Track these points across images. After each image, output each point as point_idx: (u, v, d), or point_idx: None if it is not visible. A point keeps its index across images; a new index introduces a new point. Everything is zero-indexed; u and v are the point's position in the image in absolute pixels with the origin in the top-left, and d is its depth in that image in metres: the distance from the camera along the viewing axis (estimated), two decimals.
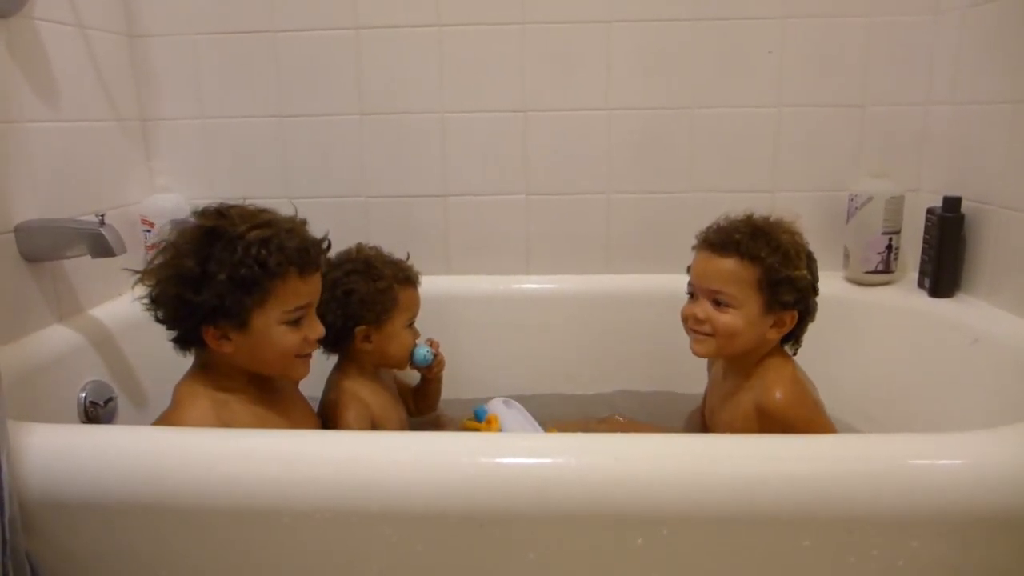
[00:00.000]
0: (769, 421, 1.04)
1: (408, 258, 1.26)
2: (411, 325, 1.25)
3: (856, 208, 1.41)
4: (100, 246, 1.12)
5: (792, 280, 1.06)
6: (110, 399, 1.20)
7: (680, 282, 1.14)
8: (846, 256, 1.45)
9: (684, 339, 1.15)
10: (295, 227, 1.00)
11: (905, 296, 1.37)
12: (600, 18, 1.45)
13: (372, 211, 1.56)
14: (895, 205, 1.39)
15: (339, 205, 1.55)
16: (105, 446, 0.81)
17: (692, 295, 1.12)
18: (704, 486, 0.74)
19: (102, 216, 1.14)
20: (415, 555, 0.77)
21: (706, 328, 1.09)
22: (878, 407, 1.27)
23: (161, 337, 1.00)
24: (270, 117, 1.53)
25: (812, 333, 1.14)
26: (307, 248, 0.99)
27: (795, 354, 1.14)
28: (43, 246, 1.15)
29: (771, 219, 1.11)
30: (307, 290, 1.00)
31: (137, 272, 1.00)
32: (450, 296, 1.51)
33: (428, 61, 1.49)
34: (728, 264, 1.07)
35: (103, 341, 1.24)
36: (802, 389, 1.07)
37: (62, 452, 0.80)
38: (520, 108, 1.50)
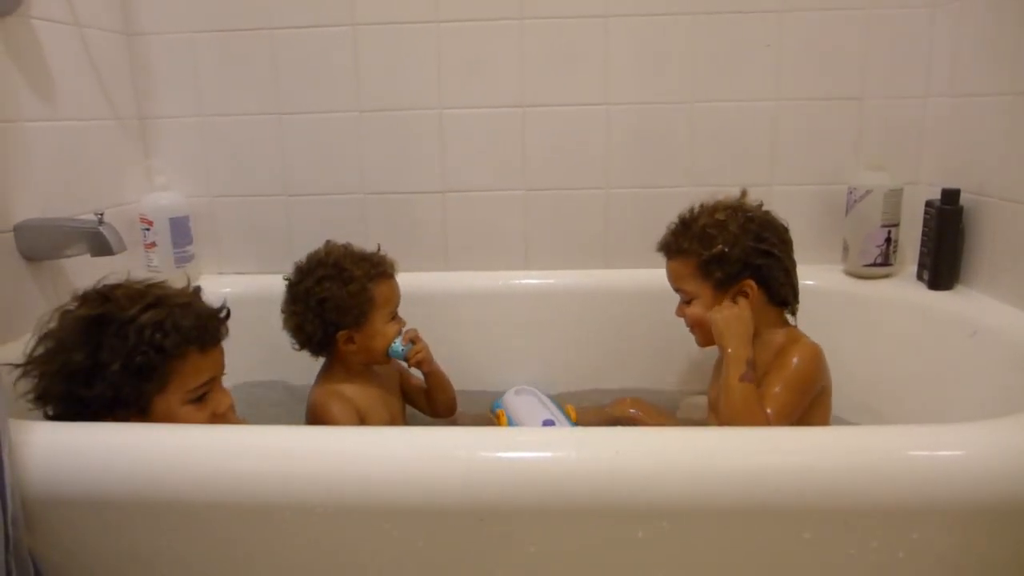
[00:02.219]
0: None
1: (379, 249, 1.24)
2: (395, 317, 1.23)
3: (855, 201, 1.41)
4: (99, 245, 1.12)
5: (718, 257, 1.09)
6: None
7: None
8: (845, 249, 1.45)
9: (681, 335, 1.20)
10: (190, 301, 0.93)
11: (904, 289, 1.37)
12: (598, 13, 1.45)
13: (370, 208, 1.56)
14: (894, 198, 1.39)
15: (337, 202, 1.55)
16: (106, 443, 0.81)
17: None
18: (704, 479, 0.74)
19: (101, 215, 1.14)
20: (415, 550, 0.77)
21: (688, 323, 1.16)
22: (878, 399, 1.27)
23: None
24: (268, 114, 1.53)
25: (811, 326, 1.15)
26: (204, 324, 0.92)
27: (794, 313, 1.15)
28: (42, 245, 1.16)
29: (703, 206, 1.15)
30: (209, 365, 0.93)
31: (17, 365, 0.88)
32: (448, 292, 1.51)
33: (426, 57, 1.49)
34: (672, 266, 1.17)
35: None
36: (788, 358, 1.07)
37: (63, 450, 0.80)
38: (518, 104, 1.50)
